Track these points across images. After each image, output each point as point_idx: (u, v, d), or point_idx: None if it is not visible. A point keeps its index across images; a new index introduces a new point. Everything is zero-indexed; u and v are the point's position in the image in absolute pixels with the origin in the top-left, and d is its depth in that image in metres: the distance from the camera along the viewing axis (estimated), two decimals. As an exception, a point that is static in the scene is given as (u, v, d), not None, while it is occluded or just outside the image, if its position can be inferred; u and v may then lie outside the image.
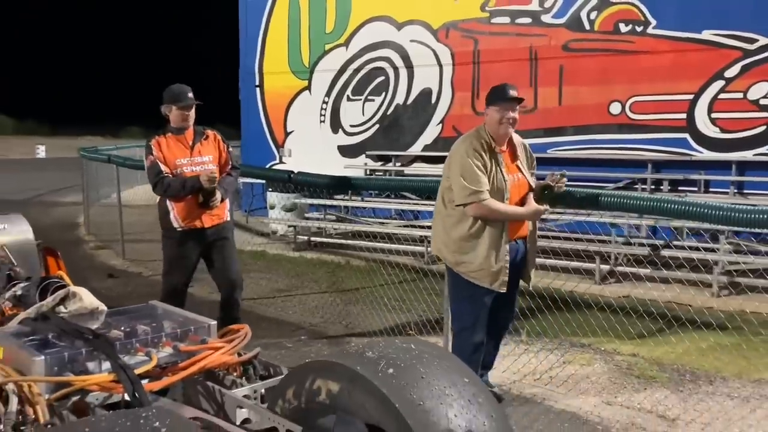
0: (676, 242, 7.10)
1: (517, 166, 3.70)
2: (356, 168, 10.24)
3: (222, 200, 4.45)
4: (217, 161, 4.50)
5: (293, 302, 6.37)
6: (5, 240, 3.55)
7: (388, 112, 10.29)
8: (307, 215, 9.49)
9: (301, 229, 9.04)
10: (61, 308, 2.76)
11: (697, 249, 6.74)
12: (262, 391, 2.39)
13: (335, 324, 5.71)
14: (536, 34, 9.06)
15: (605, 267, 6.94)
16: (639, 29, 8.43)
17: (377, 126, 10.37)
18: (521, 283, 3.88)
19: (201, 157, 4.43)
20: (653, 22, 8.35)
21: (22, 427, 2.04)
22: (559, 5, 8.89)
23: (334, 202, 9.20)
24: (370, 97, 10.25)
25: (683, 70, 8.21)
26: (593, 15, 8.70)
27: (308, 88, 11.16)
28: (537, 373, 4.46)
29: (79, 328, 2.53)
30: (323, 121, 10.94)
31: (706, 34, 8.07)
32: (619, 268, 6.97)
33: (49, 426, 2.00)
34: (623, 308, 6.03)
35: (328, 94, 10.88)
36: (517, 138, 3.77)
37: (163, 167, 4.32)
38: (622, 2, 8.50)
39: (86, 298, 2.78)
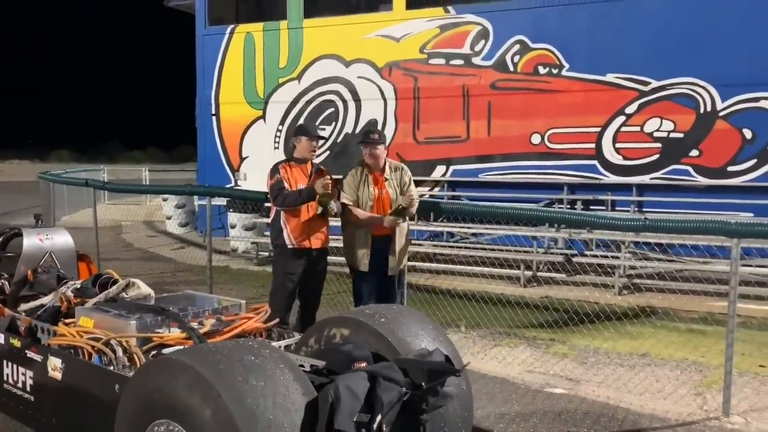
0: (586, 252, 8.44)
1: (385, 186, 4.91)
2: (308, 191, 11.20)
3: (336, 213, 4.79)
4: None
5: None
6: (53, 248, 4.37)
7: (338, 140, 11.35)
8: (266, 233, 10.37)
9: (262, 245, 9.92)
10: (123, 294, 3.67)
11: (604, 257, 8.10)
12: (283, 346, 3.37)
13: (304, 323, 6.63)
14: (468, 74, 10.36)
15: (528, 273, 8.17)
16: (555, 71, 9.85)
17: (328, 152, 11.39)
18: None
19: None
20: (566, 65, 9.78)
21: (124, 369, 2.96)
22: (488, 49, 10.23)
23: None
24: (321, 127, 11.27)
25: (592, 107, 9.65)
26: (516, 59, 10.07)
27: (263, 117, 12.11)
28: (473, 353, 5.55)
29: (150, 306, 3.48)
30: (277, 148, 11.89)
31: (610, 77, 9.55)
32: (540, 274, 8.23)
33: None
34: (543, 306, 7.28)
35: (282, 123, 11.86)
36: (393, 164, 5.04)
37: (286, 184, 4.73)
38: (540, 48, 9.91)
39: (143, 287, 3.71)
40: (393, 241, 4.86)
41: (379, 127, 11.06)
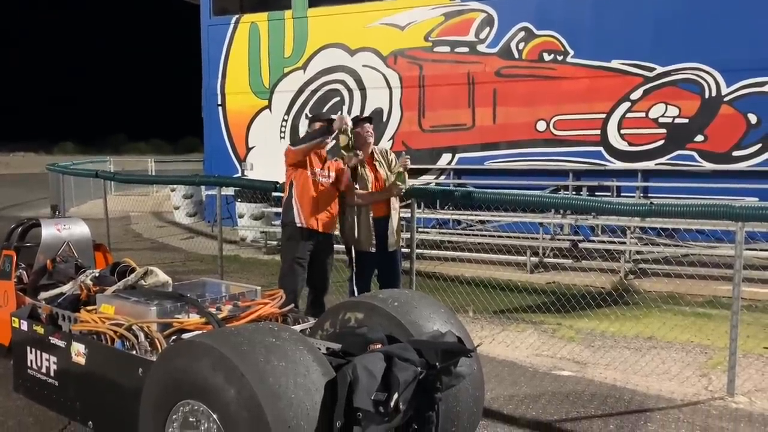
0: (592, 237, 8.51)
1: (376, 168, 5.15)
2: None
3: (358, 156, 4.93)
4: (336, 179, 5.03)
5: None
6: (70, 238, 4.47)
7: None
8: (273, 222, 10.46)
9: (270, 234, 10.01)
10: (142, 282, 3.77)
11: (610, 242, 8.17)
12: (299, 330, 3.46)
13: (315, 309, 6.73)
14: (473, 61, 10.40)
15: (535, 259, 8.25)
16: (560, 58, 9.87)
17: (334, 141, 11.45)
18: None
19: (329, 172, 5.01)
20: (571, 52, 9.81)
21: (146, 354, 3.05)
22: (492, 37, 10.26)
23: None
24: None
25: (597, 93, 9.68)
26: (521, 45, 10.10)
27: (268, 107, 12.18)
28: (481, 338, 5.64)
29: (168, 293, 3.57)
30: (283, 137, 11.96)
31: (615, 63, 9.58)
32: (546, 260, 8.30)
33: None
34: (550, 291, 7.36)
35: (287, 113, 11.93)
36: (379, 149, 5.30)
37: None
38: (545, 35, 9.93)
39: (160, 275, 3.80)
40: (390, 220, 5.16)
41: (385, 116, 11.14)
